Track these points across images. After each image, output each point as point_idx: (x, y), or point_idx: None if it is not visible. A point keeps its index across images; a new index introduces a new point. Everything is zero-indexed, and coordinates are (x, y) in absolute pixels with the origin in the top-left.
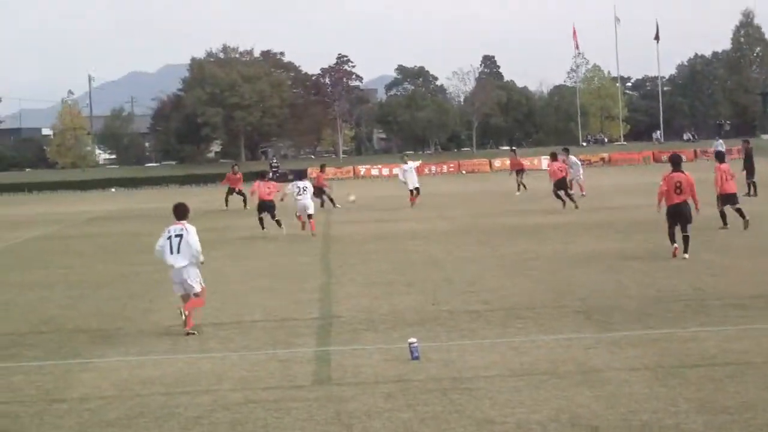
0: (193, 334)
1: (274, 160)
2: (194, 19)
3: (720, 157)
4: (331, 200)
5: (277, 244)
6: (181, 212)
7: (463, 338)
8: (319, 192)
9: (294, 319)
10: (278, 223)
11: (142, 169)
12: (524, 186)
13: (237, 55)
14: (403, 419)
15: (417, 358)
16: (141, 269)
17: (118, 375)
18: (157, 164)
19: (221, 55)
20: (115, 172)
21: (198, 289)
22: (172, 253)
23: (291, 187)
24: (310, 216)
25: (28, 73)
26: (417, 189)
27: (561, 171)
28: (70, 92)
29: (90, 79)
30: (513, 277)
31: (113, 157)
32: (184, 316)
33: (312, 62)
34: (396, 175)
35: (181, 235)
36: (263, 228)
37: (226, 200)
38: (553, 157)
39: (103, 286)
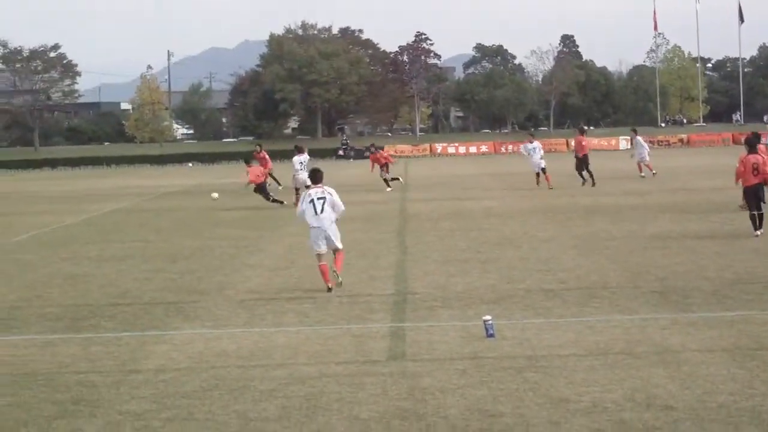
0: (340, 285)
1: (344, 138)
2: None
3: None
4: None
5: (353, 221)
6: (319, 177)
7: (538, 317)
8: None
9: (369, 295)
10: (277, 201)
11: (219, 144)
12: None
13: (315, 32)
14: (477, 396)
15: (492, 335)
16: (216, 243)
17: (194, 347)
18: (235, 140)
19: (300, 32)
20: (192, 146)
21: (341, 245)
22: (316, 214)
23: (295, 163)
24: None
25: (107, 48)
26: (543, 170)
27: (586, 147)
28: (149, 67)
29: (169, 54)
30: (589, 256)
31: (191, 132)
32: (337, 277)
33: (390, 40)
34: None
35: (323, 198)
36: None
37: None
38: (581, 131)
39: (179, 259)
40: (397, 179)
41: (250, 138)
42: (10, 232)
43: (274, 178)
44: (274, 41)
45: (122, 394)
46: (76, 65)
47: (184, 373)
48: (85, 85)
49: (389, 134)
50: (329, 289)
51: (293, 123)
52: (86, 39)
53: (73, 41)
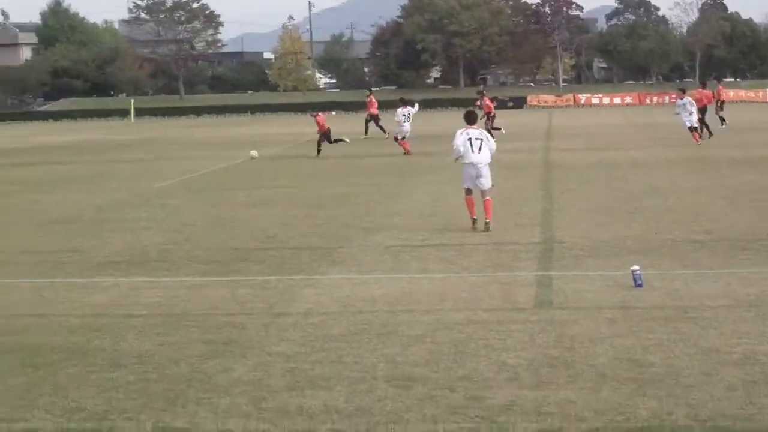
0: (488, 229)
1: (481, 87)
2: None
3: None
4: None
5: (496, 170)
6: (473, 118)
7: (686, 268)
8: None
9: (515, 243)
10: (338, 140)
11: (361, 93)
12: (722, 119)
13: None
14: (626, 345)
15: (640, 285)
16: (361, 190)
17: (341, 292)
18: (377, 89)
19: None
20: (335, 95)
21: (490, 184)
22: (472, 152)
23: (398, 114)
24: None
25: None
26: (695, 128)
27: (706, 99)
28: (291, 17)
29: (310, 5)
30: (738, 208)
31: (333, 81)
32: (488, 226)
33: None
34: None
35: (481, 139)
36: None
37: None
38: (703, 85)
39: (324, 206)
40: (499, 129)
41: (393, 87)
42: (158, 178)
43: (381, 127)
44: None
45: (271, 336)
46: (218, 16)
47: (332, 316)
48: (228, 35)
49: (532, 84)
50: (474, 221)
51: (435, 73)
52: None
53: None
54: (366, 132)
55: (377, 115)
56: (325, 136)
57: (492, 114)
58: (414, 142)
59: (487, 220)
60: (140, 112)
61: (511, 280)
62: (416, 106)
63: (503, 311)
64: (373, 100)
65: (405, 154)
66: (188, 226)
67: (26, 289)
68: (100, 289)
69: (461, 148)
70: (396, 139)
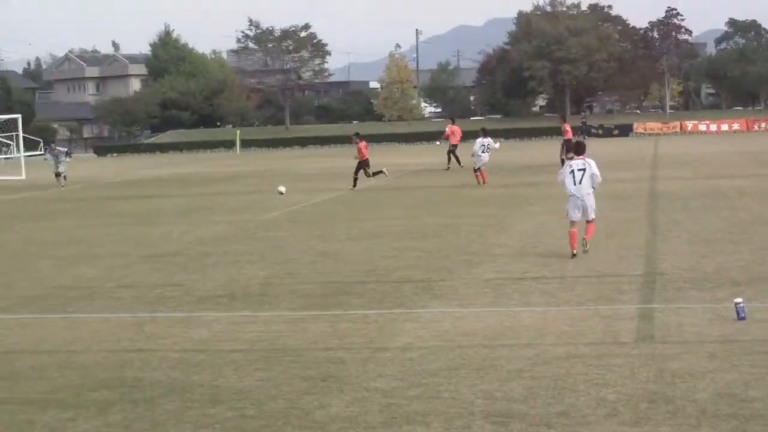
0: (586, 251)
1: (583, 115)
2: None
3: None
4: None
5: (601, 199)
6: (582, 149)
7: None
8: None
9: (617, 275)
10: (377, 173)
11: (467, 122)
12: None
13: (564, 9)
14: (727, 380)
15: (743, 318)
16: (464, 221)
17: (440, 326)
18: (482, 117)
19: (548, 9)
20: (440, 124)
21: (594, 215)
22: (574, 184)
23: (477, 145)
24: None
25: (356, 28)
26: None
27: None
28: (398, 46)
29: (417, 33)
30: None
31: (438, 110)
32: (586, 244)
33: (640, 15)
34: None
35: (583, 169)
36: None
37: (449, 158)
38: None
39: (427, 237)
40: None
41: (498, 116)
42: (263, 210)
43: (456, 157)
44: (523, 18)
45: (369, 371)
46: (326, 45)
47: (431, 351)
48: (335, 64)
49: (638, 111)
50: (573, 255)
51: (541, 101)
52: (336, 19)
53: (323, 21)
54: (449, 162)
55: (457, 145)
56: (362, 166)
57: (568, 140)
58: (518, 173)
59: (586, 238)
60: (246, 144)
61: (613, 313)
62: (498, 144)
63: (604, 345)
64: (456, 130)
65: (479, 184)
66: (291, 259)
67: (128, 324)
68: (200, 323)
69: (565, 181)
70: (475, 170)
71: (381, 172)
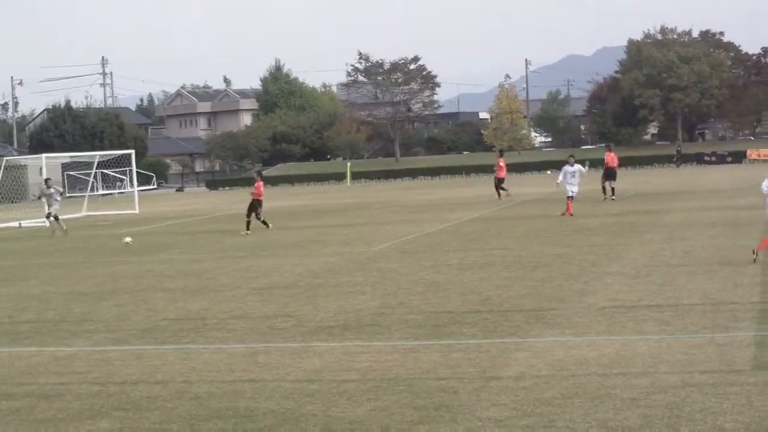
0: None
1: (677, 143)
2: (631, 1)
3: None
4: None
5: (715, 227)
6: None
7: None
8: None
9: (733, 303)
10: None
11: (577, 152)
12: None
13: (675, 36)
14: None
15: None
16: (575, 251)
17: (553, 355)
18: (593, 146)
19: (659, 36)
20: (550, 154)
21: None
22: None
23: (562, 173)
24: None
25: (466, 58)
26: None
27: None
28: (507, 76)
29: (527, 63)
30: None
31: (549, 140)
32: (755, 254)
33: (753, 42)
34: None
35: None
36: None
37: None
38: None
39: (539, 267)
40: None
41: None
42: (374, 241)
43: (503, 188)
44: (633, 46)
45: (482, 400)
46: (435, 76)
47: (544, 380)
48: (444, 96)
49: (752, 138)
50: (755, 255)
51: (652, 129)
52: (445, 50)
53: (433, 53)
54: (499, 195)
55: (503, 178)
56: (254, 207)
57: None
58: (630, 201)
59: (758, 248)
60: (356, 176)
61: (729, 341)
62: (586, 165)
63: (720, 373)
64: (501, 164)
65: (563, 214)
66: (402, 289)
67: (240, 354)
68: (313, 354)
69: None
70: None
71: (267, 225)
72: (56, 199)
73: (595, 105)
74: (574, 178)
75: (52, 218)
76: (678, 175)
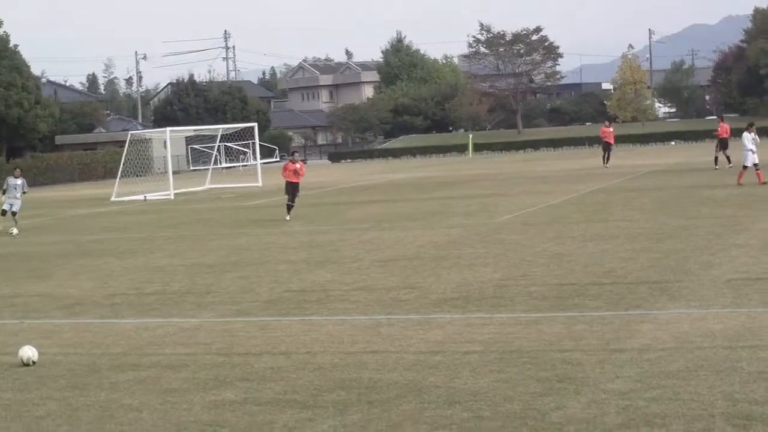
0: None
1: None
2: None
3: None
4: None
5: None
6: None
7: None
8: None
9: None
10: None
11: (701, 122)
12: None
13: None
14: None
15: None
16: (701, 222)
17: (678, 327)
18: (717, 117)
19: None
20: (674, 125)
21: None
22: None
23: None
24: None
25: (588, 29)
26: None
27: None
28: (630, 46)
29: (650, 33)
30: None
31: (673, 110)
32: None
33: None
34: None
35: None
36: None
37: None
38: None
39: (663, 239)
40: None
41: (734, 115)
42: (496, 213)
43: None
44: (759, 15)
45: (606, 372)
46: (557, 47)
47: (669, 352)
48: (567, 67)
49: None
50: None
51: None
52: (568, 21)
53: (555, 24)
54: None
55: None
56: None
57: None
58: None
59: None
60: (478, 147)
61: None
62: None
63: None
64: (607, 129)
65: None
66: (525, 261)
67: (363, 326)
68: (436, 325)
69: None
70: (747, 167)
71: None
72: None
73: (720, 75)
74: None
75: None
76: None
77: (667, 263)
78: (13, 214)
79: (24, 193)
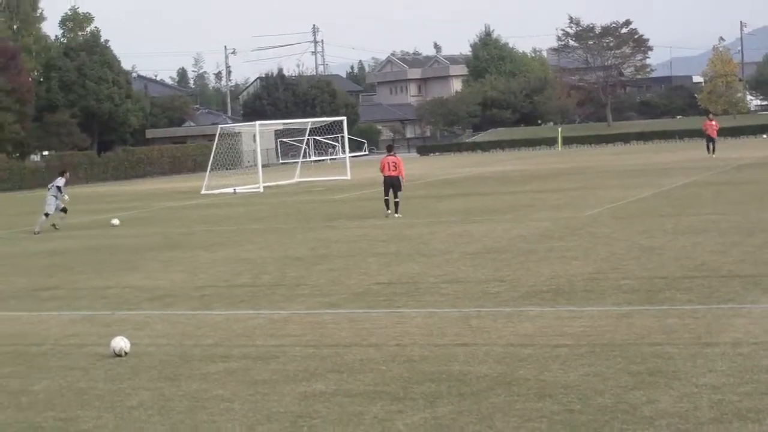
0: None
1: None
2: None
3: None
4: None
5: None
6: None
7: None
8: None
9: None
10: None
11: None
12: None
13: None
14: None
15: None
16: None
17: None
18: None
19: None
20: (766, 117)
21: None
22: None
23: None
24: None
25: (678, 22)
26: None
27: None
28: (721, 39)
29: (741, 25)
30: None
31: (765, 103)
32: None
33: None
34: None
35: None
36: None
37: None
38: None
39: (756, 232)
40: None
41: None
42: (586, 206)
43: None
44: None
45: (698, 366)
46: (647, 40)
47: (762, 346)
48: (656, 60)
49: None
50: None
51: None
52: (657, 13)
53: (645, 16)
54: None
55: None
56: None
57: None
58: None
59: None
60: (567, 141)
61: None
62: None
63: None
64: (710, 122)
65: None
66: (615, 254)
67: (453, 318)
68: (526, 318)
69: None
70: None
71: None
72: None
73: None
74: None
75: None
76: None
77: (759, 257)
78: (46, 215)
79: (61, 194)
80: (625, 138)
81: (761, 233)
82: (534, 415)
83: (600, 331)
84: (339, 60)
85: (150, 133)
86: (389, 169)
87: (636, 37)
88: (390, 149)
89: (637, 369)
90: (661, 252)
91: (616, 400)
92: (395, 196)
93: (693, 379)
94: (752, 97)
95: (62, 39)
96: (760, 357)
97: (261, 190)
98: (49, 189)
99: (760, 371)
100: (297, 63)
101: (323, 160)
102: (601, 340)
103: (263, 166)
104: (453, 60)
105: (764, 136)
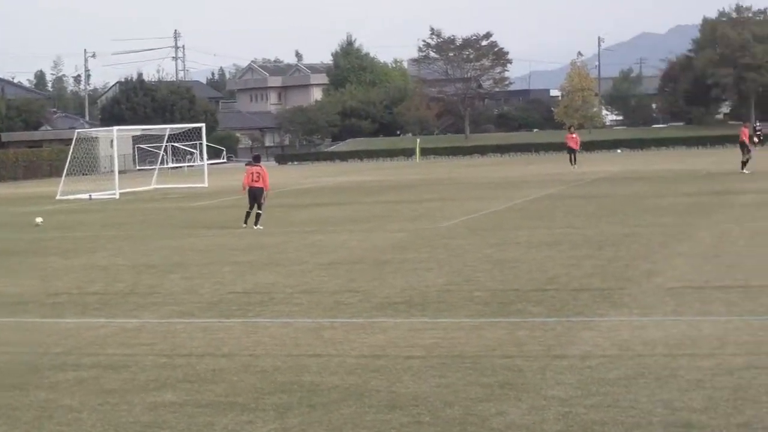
0: None
1: (757, 124)
2: None
3: None
4: None
5: None
6: None
7: None
8: None
9: None
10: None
11: (648, 131)
12: None
13: (750, 14)
14: None
15: None
16: (644, 230)
17: (619, 335)
18: (664, 125)
19: (734, 15)
20: (621, 133)
21: None
22: None
23: None
24: None
25: (538, 35)
26: None
27: None
28: (579, 54)
29: (599, 40)
30: None
31: (620, 118)
32: None
33: None
34: None
35: None
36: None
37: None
38: None
39: (606, 246)
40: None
41: (680, 124)
42: (441, 218)
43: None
44: (707, 25)
45: (547, 379)
46: (507, 53)
47: (610, 360)
48: (516, 73)
49: None
50: None
51: (725, 108)
52: (517, 27)
53: (505, 29)
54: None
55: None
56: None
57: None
58: (700, 181)
59: None
60: (425, 152)
61: None
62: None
63: None
64: (571, 135)
65: None
66: (469, 266)
67: (306, 329)
68: (379, 329)
69: None
70: None
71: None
72: None
73: (667, 84)
74: None
75: None
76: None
77: (609, 270)
78: None
79: None
80: (482, 150)
81: (611, 247)
82: (384, 427)
83: (452, 343)
84: (200, 66)
85: (5, 137)
86: (253, 180)
87: (496, 49)
88: (257, 159)
89: (488, 381)
90: (514, 264)
91: (466, 412)
92: (259, 207)
93: (542, 391)
94: (608, 112)
95: None
96: (607, 370)
97: (117, 196)
98: None
99: (606, 384)
100: (157, 68)
101: (181, 167)
102: (453, 352)
103: (120, 172)
104: (314, 69)
105: (618, 151)
